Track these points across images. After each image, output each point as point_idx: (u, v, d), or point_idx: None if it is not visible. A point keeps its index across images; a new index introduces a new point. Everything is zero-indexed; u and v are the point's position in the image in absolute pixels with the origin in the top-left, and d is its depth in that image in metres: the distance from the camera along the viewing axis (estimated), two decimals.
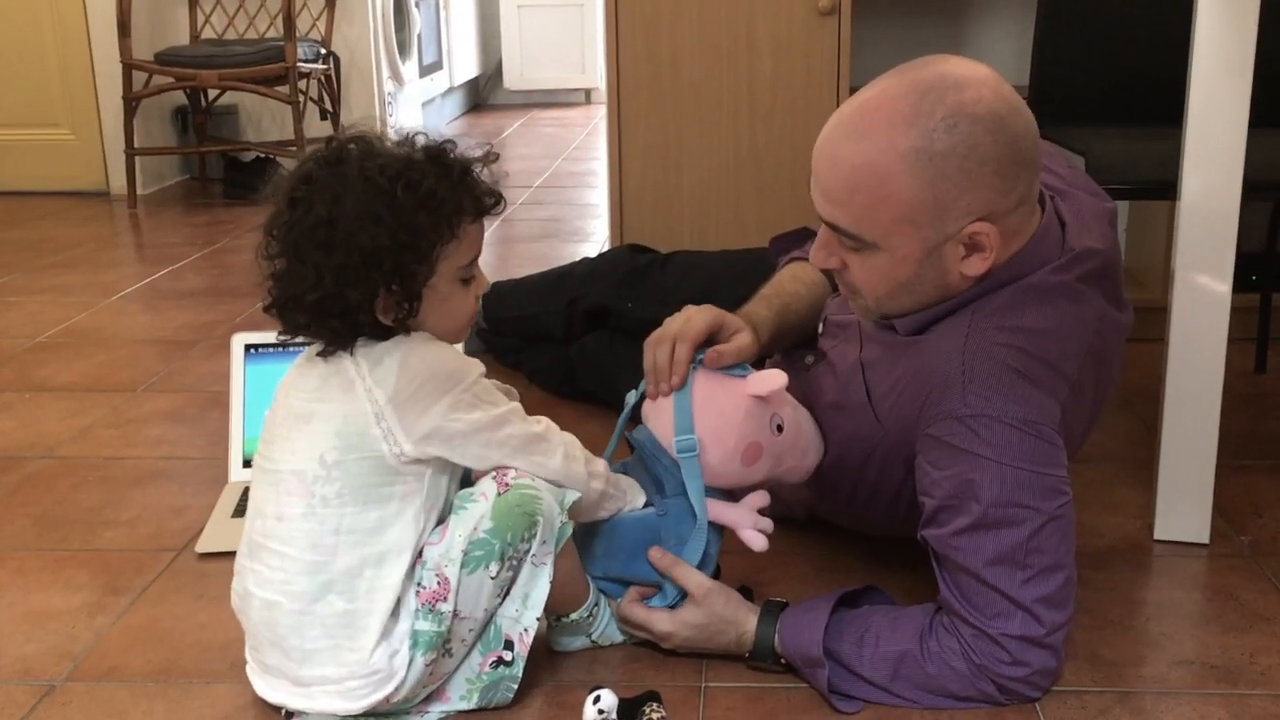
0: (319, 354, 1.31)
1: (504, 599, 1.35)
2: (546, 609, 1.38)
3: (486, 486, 1.32)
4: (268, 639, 1.32)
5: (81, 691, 1.43)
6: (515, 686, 1.37)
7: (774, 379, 1.42)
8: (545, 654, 1.47)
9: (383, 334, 1.29)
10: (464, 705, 1.36)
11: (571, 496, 1.37)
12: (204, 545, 1.76)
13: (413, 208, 1.24)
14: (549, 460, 1.35)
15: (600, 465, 1.43)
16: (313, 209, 1.24)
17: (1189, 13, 1.58)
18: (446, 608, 1.29)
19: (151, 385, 2.46)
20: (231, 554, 1.38)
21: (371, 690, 1.29)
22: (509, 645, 1.35)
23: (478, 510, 1.31)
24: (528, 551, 1.33)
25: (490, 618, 1.35)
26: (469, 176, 1.30)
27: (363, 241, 1.23)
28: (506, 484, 1.32)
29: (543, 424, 1.38)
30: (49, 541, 1.81)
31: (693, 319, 1.47)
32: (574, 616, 1.45)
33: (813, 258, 1.45)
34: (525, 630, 1.35)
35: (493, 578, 1.31)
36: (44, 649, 1.52)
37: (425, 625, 1.29)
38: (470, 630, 1.33)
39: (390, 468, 1.28)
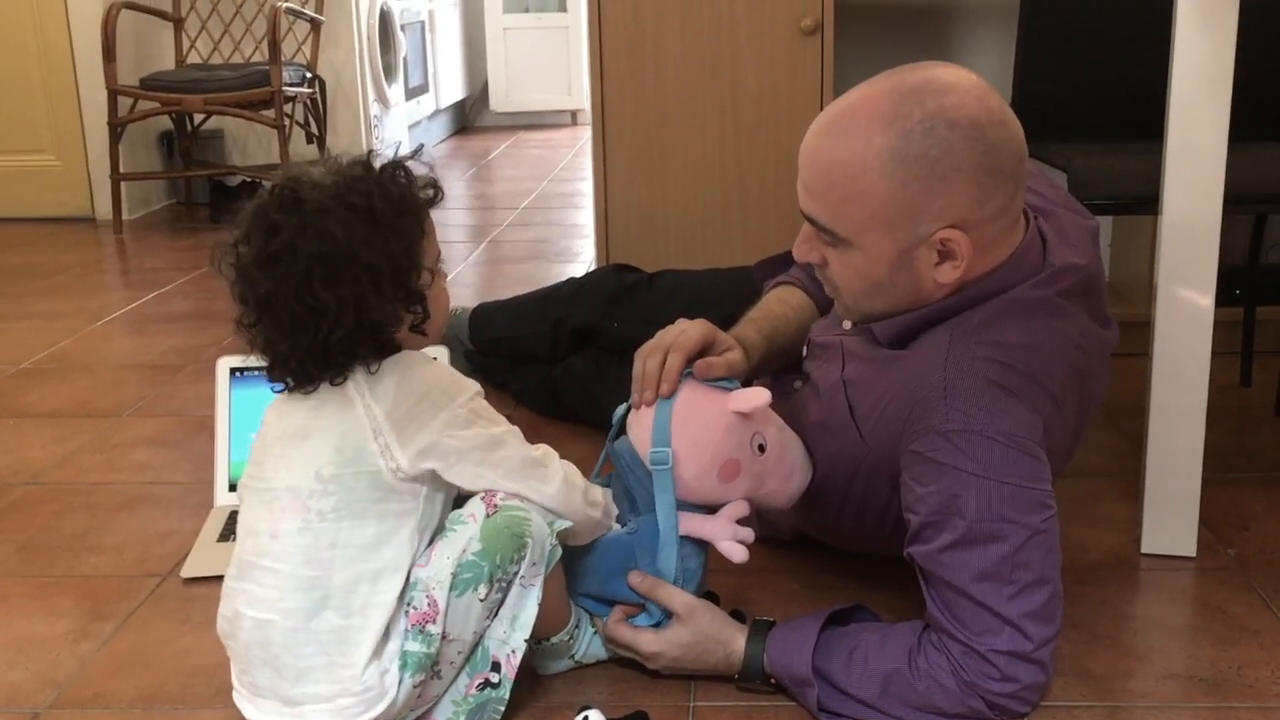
0: (332, 384, 1.29)
1: (492, 620, 1.34)
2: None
3: (475, 508, 1.32)
4: (260, 659, 1.30)
5: (66, 719, 1.42)
6: (502, 709, 1.36)
7: (756, 396, 1.41)
8: (532, 674, 1.46)
9: (381, 354, 1.29)
10: None
11: (562, 523, 1.37)
12: (190, 570, 1.76)
13: (393, 215, 1.26)
14: (546, 486, 1.35)
15: (598, 493, 1.43)
16: (301, 251, 1.22)
17: (1168, 28, 1.59)
18: (435, 629, 1.29)
19: (137, 410, 2.45)
20: (218, 579, 1.37)
21: (364, 709, 1.28)
22: (496, 667, 1.35)
23: (466, 532, 1.30)
24: (516, 573, 1.32)
25: (479, 639, 1.34)
26: (409, 175, 1.32)
27: (368, 259, 1.23)
28: (495, 505, 1.31)
29: (541, 449, 1.38)
30: (33, 568, 1.80)
31: (687, 331, 1.48)
32: (555, 640, 1.45)
33: (795, 251, 1.46)
34: (513, 652, 1.35)
35: (481, 600, 1.30)
36: (28, 676, 1.51)
37: (414, 646, 1.28)
38: (459, 652, 1.33)
39: (386, 484, 1.28)
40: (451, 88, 6.32)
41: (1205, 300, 1.64)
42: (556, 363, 2.30)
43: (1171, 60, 1.59)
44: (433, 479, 1.31)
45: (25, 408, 2.49)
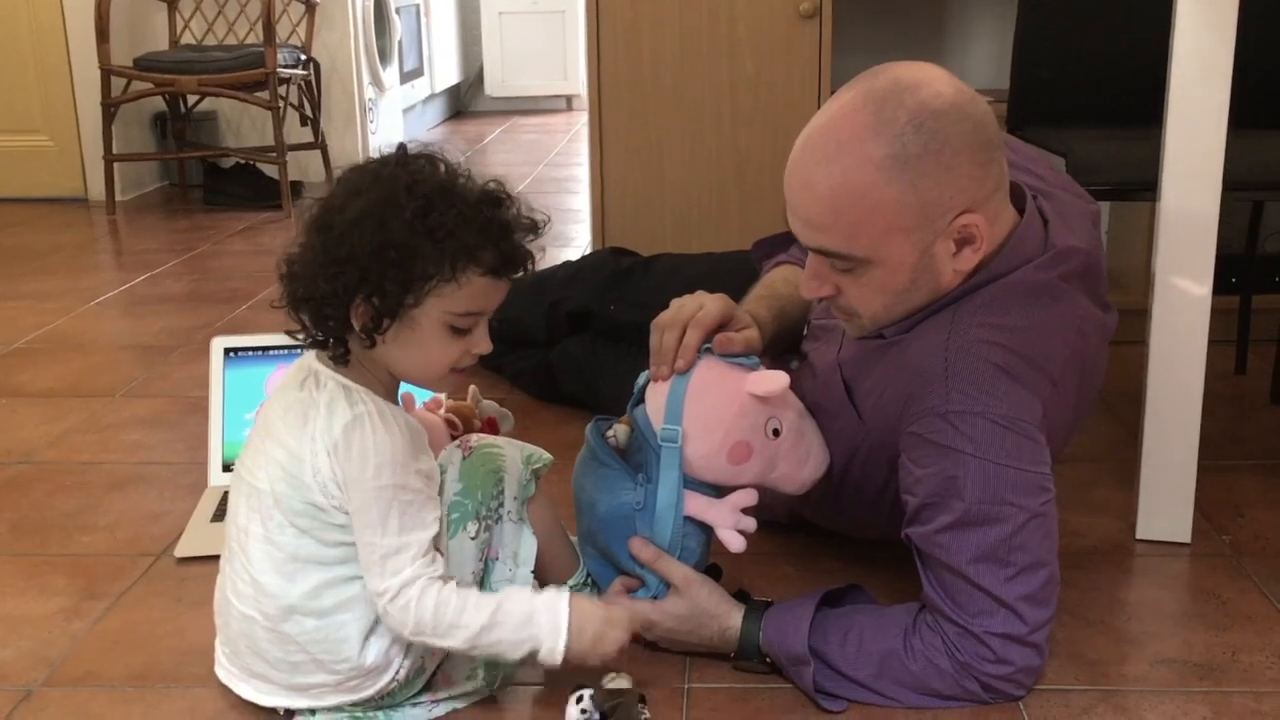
0: (307, 345, 1.29)
1: (494, 563, 1.37)
2: (543, 583, 1.42)
3: (453, 456, 1.37)
4: (250, 649, 1.32)
5: (58, 697, 1.42)
6: None
7: (774, 380, 1.39)
8: None
9: (330, 330, 1.26)
10: (470, 685, 1.37)
11: (540, 458, 1.43)
12: (183, 550, 1.75)
13: (418, 231, 1.20)
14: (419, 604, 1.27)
15: (469, 608, 1.27)
16: (337, 194, 1.24)
17: (1168, 13, 1.58)
18: None
19: (130, 390, 2.44)
20: (211, 559, 1.37)
21: (373, 681, 1.31)
22: None
23: (447, 478, 1.35)
24: (500, 507, 1.36)
25: (480, 584, 1.36)
26: (503, 233, 1.25)
27: (352, 239, 1.21)
28: (470, 448, 1.39)
29: (410, 595, 1.25)
30: (26, 546, 1.80)
31: (706, 306, 1.45)
32: (572, 583, 1.47)
33: (804, 290, 1.44)
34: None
35: (472, 538, 1.34)
36: (20, 654, 1.51)
37: None
38: None
39: (331, 519, 1.27)
40: (447, 72, 6.30)
41: (1202, 288, 1.63)
42: (552, 346, 2.30)
43: (1171, 46, 1.58)
44: None
45: (18, 387, 2.48)
